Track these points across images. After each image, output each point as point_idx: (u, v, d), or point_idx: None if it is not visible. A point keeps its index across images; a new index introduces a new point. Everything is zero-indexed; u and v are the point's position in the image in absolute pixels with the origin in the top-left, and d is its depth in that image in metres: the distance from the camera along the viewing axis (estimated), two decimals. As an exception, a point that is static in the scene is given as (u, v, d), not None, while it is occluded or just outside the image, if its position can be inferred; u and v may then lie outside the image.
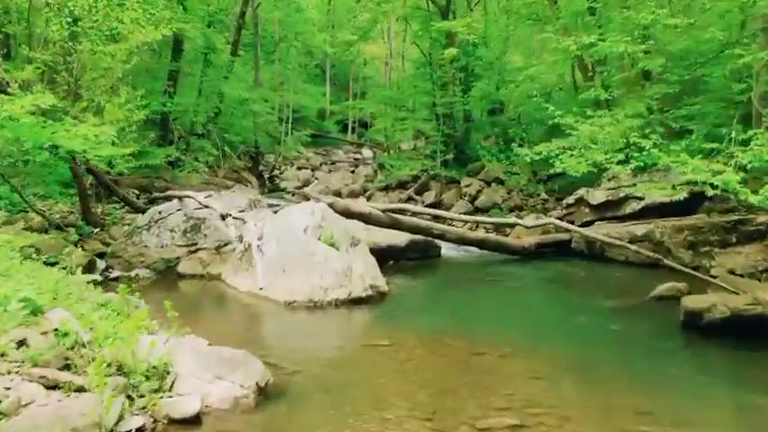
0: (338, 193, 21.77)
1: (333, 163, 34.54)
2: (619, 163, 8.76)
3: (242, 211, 10.73)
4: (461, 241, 12.19)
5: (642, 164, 11.04)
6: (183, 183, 17.30)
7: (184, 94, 21.76)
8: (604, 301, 9.26)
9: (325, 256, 9.03)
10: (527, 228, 12.50)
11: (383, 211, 11.27)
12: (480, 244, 12.23)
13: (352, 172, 31.59)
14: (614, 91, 12.40)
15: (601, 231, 12.13)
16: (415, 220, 11.63)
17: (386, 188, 20.75)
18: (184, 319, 7.96)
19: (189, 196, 11.10)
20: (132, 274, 10.60)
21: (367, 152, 38.88)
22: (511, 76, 19.21)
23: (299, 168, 31.82)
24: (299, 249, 9.17)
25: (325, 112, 40.93)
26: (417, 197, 19.47)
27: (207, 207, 10.53)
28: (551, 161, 10.10)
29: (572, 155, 9.56)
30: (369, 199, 20.29)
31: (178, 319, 7.63)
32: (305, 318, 8.40)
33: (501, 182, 19.14)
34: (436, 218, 12.85)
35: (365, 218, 11.14)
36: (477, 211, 17.93)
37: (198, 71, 21.87)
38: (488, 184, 19.16)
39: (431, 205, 18.75)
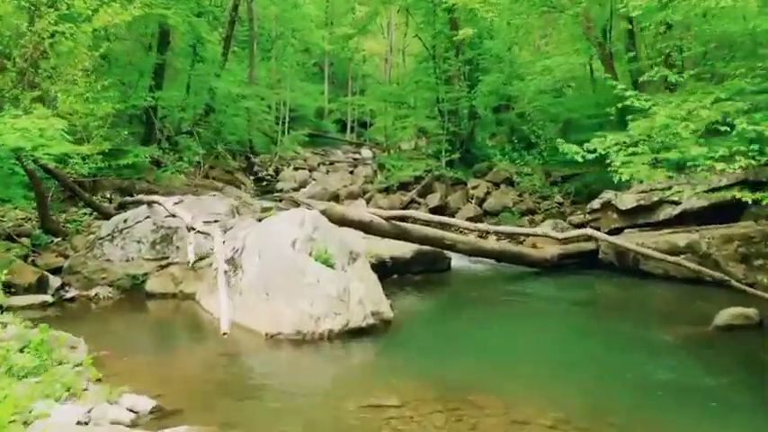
0: (336, 196, 19.96)
1: (331, 163, 32.65)
2: (720, 160, 6.55)
3: (215, 221, 8.87)
4: (476, 253, 10.36)
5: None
6: (167, 184, 15.47)
7: (172, 90, 19.92)
8: (656, 331, 7.41)
9: (317, 277, 7.20)
10: (558, 240, 10.62)
11: (386, 218, 9.42)
12: (498, 256, 10.41)
13: (351, 172, 29.71)
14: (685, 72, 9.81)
15: (634, 241, 10.30)
16: (423, 228, 9.78)
17: (386, 190, 18.88)
18: (136, 359, 6.20)
19: (156, 202, 9.24)
20: (92, 293, 8.77)
21: (366, 152, 37.00)
22: (522, 70, 17.37)
23: (296, 169, 29.91)
24: (285, 268, 7.33)
25: (323, 111, 39.04)
26: (420, 200, 17.64)
27: (174, 216, 8.66)
28: (610, 168, 7.96)
29: (634, 152, 7.46)
30: (368, 201, 18.47)
31: (123, 364, 5.88)
32: (289, 357, 6.56)
33: (511, 183, 17.32)
34: (444, 225, 10.98)
35: (365, 227, 9.31)
36: (486, 214, 16.10)
37: (187, 66, 20.00)
38: (497, 185, 17.34)
39: (436, 208, 16.93)
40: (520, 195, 16.64)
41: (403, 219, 9.69)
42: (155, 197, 9.54)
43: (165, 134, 19.29)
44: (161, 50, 18.22)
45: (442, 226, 10.20)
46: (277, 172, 29.86)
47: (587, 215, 12.20)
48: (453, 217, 16.22)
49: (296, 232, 7.74)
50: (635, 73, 12.49)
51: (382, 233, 9.40)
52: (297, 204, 8.96)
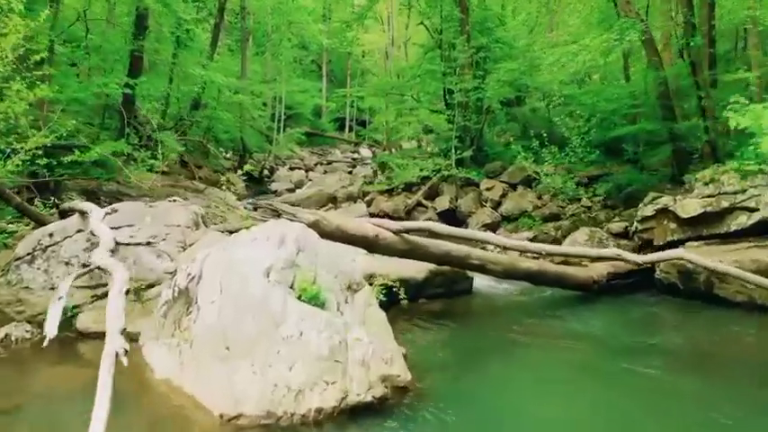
0: (333, 198, 17.47)
1: (329, 163, 30.21)
2: None
3: (151, 240, 6.37)
4: (510, 274, 7.84)
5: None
6: (137, 185, 12.94)
7: (155, 81, 17.40)
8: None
9: (299, 327, 4.69)
10: (638, 264, 8.01)
11: (396, 232, 6.90)
12: (536, 277, 7.89)
13: (350, 173, 27.28)
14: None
15: (715, 258, 7.81)
16: (443, 244, 7.25)
17: (388, 192, 16.40)
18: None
19: (81, 211, 6.71)
20: (1, 334, 6.27)
21: (365, 151, 34.54)
22: (540, 59, 14.86)
23: (292, 168, 27.48)
24: (254, 310, 4.83)
25: (320, 109, 36.54)
26: (427, 202, 15.16)
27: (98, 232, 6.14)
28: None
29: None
30: (369, 204, 15.98)
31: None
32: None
33: (528, 184, 14.86)
34: (471, 241, 8.45)
35: (368, 243, 6.81)
36: (503, 219, 13.62)
37: (170, 55, 17.47)
38: (513, 186, 14.86)
39: (446, 213, 14.47)
40: (540, 198, 14.16)
41: (418, 232, 7.16)
42: (83, 204, 7.00)
43: (141, 128, 16.81)
44: (137, 35, 15.68)
45: (468, 241, 7.64)
46: (272, 171, 27.39)
47: (637, 224, 9.68)
48: (467, 223, 13.79)
49: (272, 256, 5.24)
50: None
51: (390, 251, 6.92)
52: (277, 214, 6.38)
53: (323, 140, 35.18)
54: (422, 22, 18.32)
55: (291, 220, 6.18)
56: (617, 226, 10.61)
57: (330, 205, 16.72)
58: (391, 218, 14.86)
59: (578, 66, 10.64)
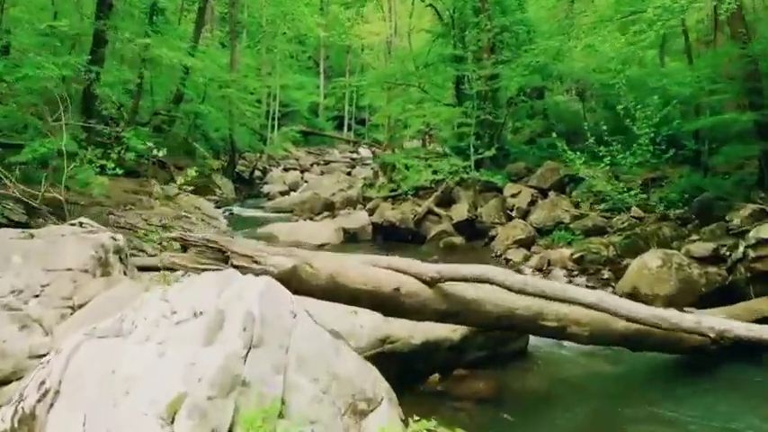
0: (330, 205, 14.54)
1: (326, 163, 27.27)
2: None
3: (14, 297, 3.49)
4: (600, 339, 4.91)
5: None
6: (85, 191, 10.03)
7: (121, 69, 14.47)
8: None
9: None
10: None
11: (431, 282, 3.95)
12: (638, 342, 4.96)
13: (349, 174, 24.34)
14: None
15: None
16: (503, 299, 4.25)
17: (393, 197, 13.50)
18: None
19: None
20: None
21: (364, 151, 31.58)
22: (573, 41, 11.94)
23: (286, 169, 24.52)
24: None
25: (318, 107, 33.59)
26: (440, 210, 12.27)
27: None
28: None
29: None
30: (372, 212, 13.07)
31: None
32: None
33: (561, 189, 12.01)
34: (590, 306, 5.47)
35: (384, 301, 3.89)
36: (537, 233, 10.71)
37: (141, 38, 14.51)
38: (543, 192, 11.98)
39: (464, 224, 11.59)
40: (576, 206, 11.31)
41: (472, 280, 4.14)
42: None
43: (110, 123, 13.92)
44: (100, 14, 12.74)
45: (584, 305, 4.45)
46: (265, 173, 24.45)
47: (748, 250, 6.75)
48: (490, 238, 10.91)
49: (188, 372, 2.38)
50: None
51: (420, 312, 4.01)
52: (225, 258, 3.44)
53: (320, 140, 32.25)
54: (430, 4, 15.38)
55: (249, 272, 3.28)
56: (700, 247, 7.72)
57: (326, 213, 13.80)
58: (397, 228, 12.05)
59: (654, 35, 7.72)
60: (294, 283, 3.44)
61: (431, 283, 3.92)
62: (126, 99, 14.77)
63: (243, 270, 3.28)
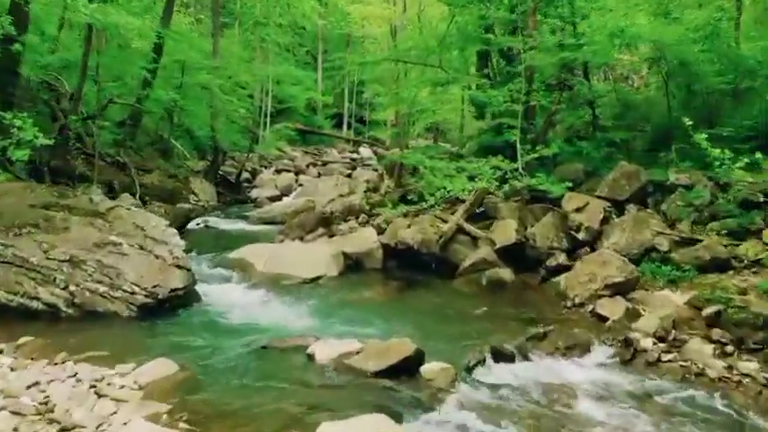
0: (326, 219, 10.68)
1: (324, 164, 23.53)
2: None
3: None
4: None
5: None
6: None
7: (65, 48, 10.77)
8: None
9: None
10: None
11: None
12: None
13: (349, 176, 20.64)
14: None
15: None
16: None
17: (415, 213, 9.74)
18: None
19: None
20: None
21: (365, 151, 27.85)
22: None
23: (279, 171, 20.73)
24: None
25: (316, 104, 29.83)
26: (475, 230, 8.57)
27: None
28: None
29: None
30: (381, 231, 9.33)
31: None
32: None
33: (642, 201, 8.33)
34: None
35: None
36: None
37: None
38: (619, 205, 8.29)
39: (512, 251, 7.89)
40: (672, 226, 7.64)
41: None
42: None
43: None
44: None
45: None
46: (254, 175, 20.71)
47: None
48: (550, 268, 7.32)
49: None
50: None
51: None
52: None
53: (318, 139, 28.52)
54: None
55: None
56: None
57: (321, 230, 10.01)
58: (417, 254, 8.39)
59: None
60: None
61: None
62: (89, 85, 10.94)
63: None
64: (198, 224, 12.32)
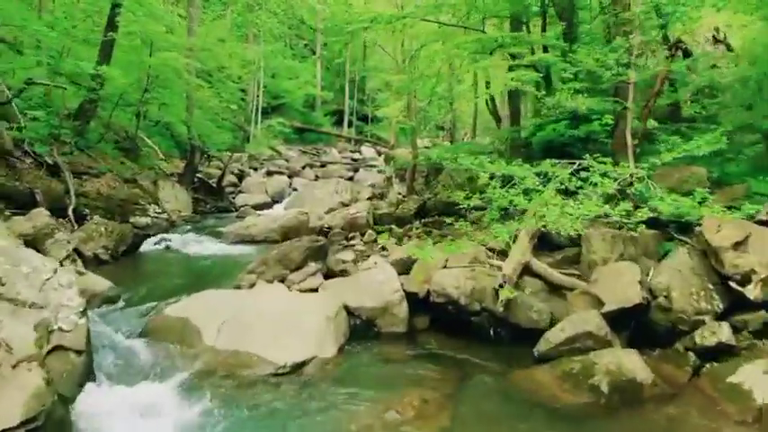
0: (322, 249, 6.96)
1: (322, 165, 20.02)
2: None
3: None
4: None
5: None
6: None
7: None
8: None
9: None
10: None
11: None
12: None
13: (350, 179, 17.22)
14: None
15: None
16: None
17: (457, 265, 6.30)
18: None
19: None
20: None
21: (368, 151, 24.43)
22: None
23: (270, 173, 17.19)
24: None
25: (314, 100, 26.31)
26: (559, 278, 5.13)
27: None
28: None
29: None
30: (405, 268, 5.81)
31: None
32: None
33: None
34: None
35: None
36: None
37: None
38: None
39: (628, 316, 4.41)
40: None
41: None
42: None
43: None
44: None
45: None
46: (241, 178, 17.21)
47: None
48: (699, 349, 3.65)
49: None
50: None
51: None
52: None
53: (317, 137, 25.04)
54: None
55: None
56: None
57: (312, 264, 6.46)
58: (463, 311, 4.96)
59: None
60: None
61: None
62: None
63: None
64: (156, 244, 8.87)
